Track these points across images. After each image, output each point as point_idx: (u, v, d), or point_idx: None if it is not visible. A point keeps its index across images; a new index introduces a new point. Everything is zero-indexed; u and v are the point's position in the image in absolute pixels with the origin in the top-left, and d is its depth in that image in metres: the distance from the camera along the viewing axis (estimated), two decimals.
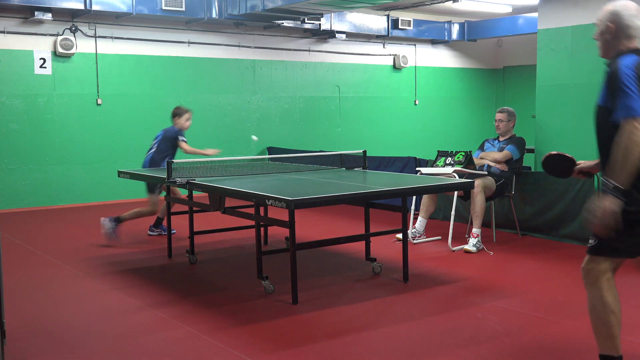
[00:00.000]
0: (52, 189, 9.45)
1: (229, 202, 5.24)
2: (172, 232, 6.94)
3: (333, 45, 12.07)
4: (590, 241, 2.98)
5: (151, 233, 7.19)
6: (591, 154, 6.73)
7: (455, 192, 6.34)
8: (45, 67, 9.34)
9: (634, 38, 3.07)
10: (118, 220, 6.69)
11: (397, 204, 5.43)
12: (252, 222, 5.43)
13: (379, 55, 12.73)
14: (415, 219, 6.74)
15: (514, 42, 13.94)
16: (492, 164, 6.57)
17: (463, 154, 6.42)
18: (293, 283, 4.58)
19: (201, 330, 4.08)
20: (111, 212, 7.23)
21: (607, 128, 3.03)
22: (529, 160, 7.46)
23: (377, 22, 12.08)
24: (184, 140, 6.93)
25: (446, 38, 13.16)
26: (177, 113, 7.09)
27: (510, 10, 11.72)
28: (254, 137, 8.07)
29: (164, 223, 7.09)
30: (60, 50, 9.31)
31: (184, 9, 9.70)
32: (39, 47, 9.29)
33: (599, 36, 3.25)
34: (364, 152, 6.30)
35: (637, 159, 2.78)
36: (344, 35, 11.76)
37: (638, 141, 2.77)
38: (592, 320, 3.11)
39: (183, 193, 6.59)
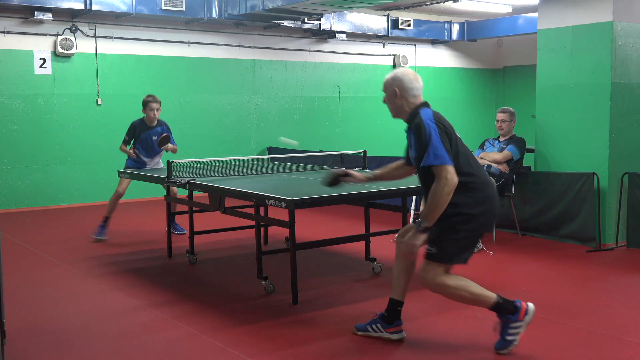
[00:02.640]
0: (52, 189, 9.45)
1: (229, 202, 5.24)
2: (183, 231, 6.96)
3: (333, 45, 12.07)
4: (429, 249, 3.62)
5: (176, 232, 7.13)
6: (591, 154, 6.76)
7: (415, 221, 6.31)
8: (45, 67, 9.34)
9: (419, 95, 3.70)
10: (105, 220, 6.87)
11: (397, 204, 5.43)
12: (252, 222, 5.43)
13: (379, 55, 12.73)
14: (415, 219, 6.73)
15: (514, 42, 13.94)
16: (492, 164, 6.57)
17: None
18: (293, 283, 4.58)
19: (201, 330, 4.08)
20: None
21: (425, 175, 3.56)
22: (529, 160, 7.46)
23: (377, 22, 12.08)
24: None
25: (446, 38, 13.16)
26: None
27: (510, 10, 11.72)
28: (289, 141, 7.28)
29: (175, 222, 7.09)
30: (60, 50, 9.31)
31: (184, 9, 9.70)
32: (39, 47, 9.29)
33: (387, 100, 3.88)
34: (364, 152, 6.30)
35: (445, 203, 3.43)
36: (344, 35, 11.76)
37: (447, 191, 3.40)
38: (464, 302, 3.67)
39: (182, 193, 6.58)
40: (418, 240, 3.57)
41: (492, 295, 3.59)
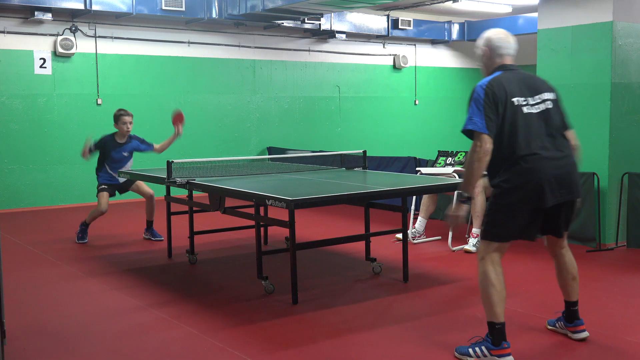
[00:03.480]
0: (52, 189, 9.45)
1: (229, 202, 5.24)
2: (160, 238, 6.93)
3: (333, 45, 12.07)
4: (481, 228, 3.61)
5: (145, 236, 7.11)
6: (591, 154, 6.74)
7: (456, 192, 6.34)
8: (45, 67, 9.34)
9: (505, 57, 3.62)
10: (85, 225, 6.82)
11: (397, 204, 5.43)
12: (252, 222, 5.42)
13: (379, 55, 12.73)
14: (415, 219, 6.74)
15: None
16: None
17: (464, 154, 6.42)
18: (293, 283, 4.58)
19: (201, 330, 4.08)
20: (111, 212, 7.23)
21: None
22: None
23: (377, 22, 12.08)
24: None
25: (446, 38, 13.16)
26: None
27: (510, 10, 11.72)
28: None
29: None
30: (60, 50, 9.31)
31: (184, 9, 9.70)
32: (39, 47, 9.29)
33: (479, 60, 3.74)
34: (364, 152, 6.29)
35: (476, 172, 3.40)
36: (344, 35, 11.76)
37: (476, 158, 3.38)
38: (481, 294, 3.55)
39: (183, 193, 6.58)
40: (459, 211, 3.52)
41: (500, 317, 3.43)
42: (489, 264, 3.48)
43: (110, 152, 6.81)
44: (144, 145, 7.00)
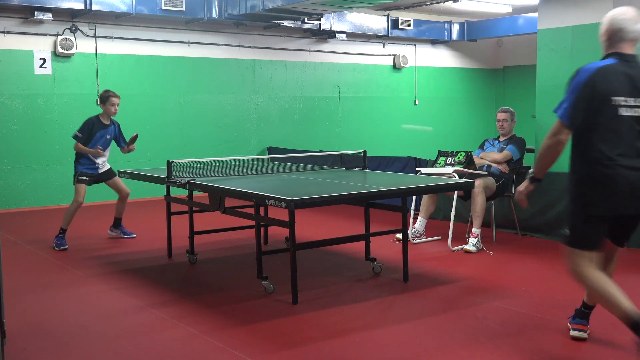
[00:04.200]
0: (52, 189, 9.45)
1: (229, 202, 5.24)
2: (132, 235, 6.93)
3: (333, 45, 12.07)
4: (564, 232, 3.45)
5: (111, 233, 7.08)
6: None
7: (456, 192, 6.34)
8: (45, 67, 9.34)
9: (625, 42, 3.26)
10: (63, 232, 6.64)
11: (397, 204, 5.43)
12: (252, 222, 5.42)
13: (379, 55, 12.73)
14: (415, 219, 6.74)
15: (514, 42, 13.94)
16: (492, 164, 6.57)
17: (464, 154, 6.41)
18: (293, 283, 4.58)
19: (201, 330, 4.08)
20: (111, 212, 7.23)
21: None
22: (529, 160, 7.45)
23: (377, 22, 12.08)
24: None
25: (446, 38, 13.16)
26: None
27: (510, 10, 11.72)
28: (414, 127, 7.48)
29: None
30: (60, 50, 9.31)
31: (184, 9, 9.70)
32: (39, 47, 9.29)
33: (600, 38, 3.40)
34: (364, 152, 6.29)
35: (545, 157, 3.36)
36: (344, 35, 11.76)
37: (547, 144, 3.30)
38: (600, 302, 3.44)
39: (182, 193, 6.58)
40: (525, 189, 3.52)
41: (632, 310, 3.21)
42: (585, 269, 3.33)
43: (95, 133, 6.61)
44: (121, 138, 6.88)
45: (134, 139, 6.74)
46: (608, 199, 3.23)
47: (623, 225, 3.41)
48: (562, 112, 3.22)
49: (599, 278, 3.30)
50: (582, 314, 3.79)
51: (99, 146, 6.62)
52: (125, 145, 6.86)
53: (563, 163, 7.10)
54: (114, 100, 6.66)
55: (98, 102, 6.73)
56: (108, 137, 6.75)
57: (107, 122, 6.73)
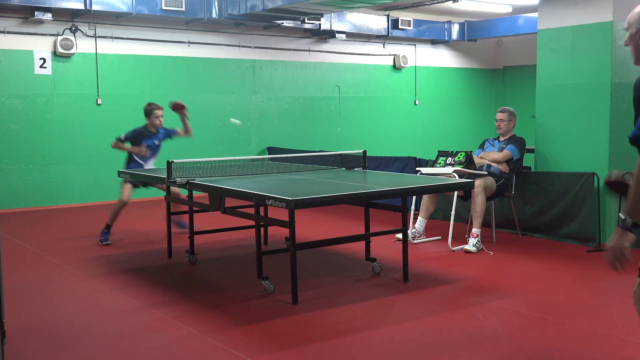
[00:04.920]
0: (52, 189, 9.45)
1: (229, 202, 5.24)
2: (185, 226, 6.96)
3: (333, 45, 12.07)
4: None
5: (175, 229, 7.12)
6: (591, 154, 6.75)
7: (455, 192, 6.34)
8: (45, 67, 9.34)
9: None
10: (108, 228, 6.78)
11: (397, 204, 5.43)
12: (252, 222, 5.42)
13: (379, 55, 12.73)
14: (415, 219, 6.74)
15: (514, 42, 13.94)
16: (492, 164, 6.57)
17: (464, 154, 6.42)
18: (293, 283, 4.58)
19: (201, 330, 4.08)
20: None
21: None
22: (529, 160, 7.46)
23: (377, 22, 12.08)
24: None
25: (446, 38, 13.16)
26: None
27: (510, 10, 11.72)
28: (234, 121, 7.76)
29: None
30: (60, 50, 9.31)
31: (184, 9, 9.70)
32: (39, 47, 9.29)
33: (629, 40, 2.82)
34: (364, 152, 6.29)
35: None
36: (344, 35, 11.76)
37: None
38: None
39: (183, 193, 6.58)
40: (625, 241, 2.50)
41: None
42: None
43: (142, 141, 6.90)
44: (172, 131, 7.12)
45: (176, 107, 6.94)
46: None
47: None
48: None
49: None
50: None
51: (143, 144, 6.88)
52: (180, 130, 7.08)
53: (563, 162, 7.10)
54: (158, 112, 6.95)
55: (145, 116, 7.02)
56: (156, 142, 7.01)
57: (154, 131, 6.98)
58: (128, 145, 6.90)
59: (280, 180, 5.59)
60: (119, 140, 6.88)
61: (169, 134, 7.12)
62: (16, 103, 9.18)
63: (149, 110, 6.95)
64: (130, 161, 6.97)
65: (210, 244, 6.62)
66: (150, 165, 7.03)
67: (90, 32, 9.64)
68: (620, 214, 2.54)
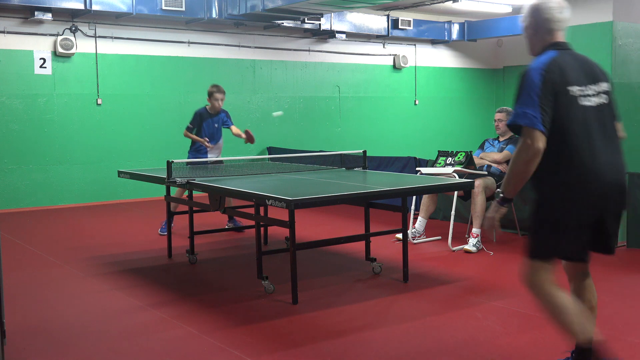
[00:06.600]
0: (52, 189, 9.45)
1: (229, 202, 5.24)
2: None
3: (333, 45, 12.07)
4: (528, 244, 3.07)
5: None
6: None
7: (455, 192, 6.34)
8: (45, 67, 9.34)
9: (555, 32, 3.00)
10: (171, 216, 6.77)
11: (397, 204, 5.43)
12: (252, 222, 5.42)
13: (379, 55, 12.73)
14: (415, 219, 6.74)
15: (514, 42, 13.94)
16: (492, 164, 6.57)
17: (464, 154, 6.42)
18: (293, 283, 4.58)
19: (201, 330, 4.08)
20: (111, 212, 7.24)
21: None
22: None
23: (377, 22, 12.08)
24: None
25: (446, 38, 13.16)
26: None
27: (510, 10, 11.72)
28: (277, 113, 7.85)
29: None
30: (60, 50, 9.31)
31: (184, 9, 9.70)
32: (39, 47, 9.30)
33: (523, 32, 3.12)
34: (364, 152, 6.30)
35: (522, 173, 2.88)
36: (344, 35, 11.76)
37: (524, 158, 2.83)
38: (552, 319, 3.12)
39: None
40: (497, 213, 3.03)
41: (580, 336, 2.97)
42: (542, 288, 3.02)
43: (203, 123, 7.12)
44: (229, 121, 7.35)
45: (248, 135, 7.23)
46: (589, 203, 2.90)
47: (601, 228, 3.04)
48: (530, 119, 2.78)
49: (556, 293, 3.09)
50: (586, 355, 3.03)
51: (205, 138, 7.11)
52: (236, 128, 7.31)
53: None
54: (218, 96, 7.18)
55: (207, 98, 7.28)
56: (216, 125, 7.22)
57: (214, 113, 7.21)
58: (194, 133, 7.11)
59: (280, 180, 5.59)
60: (188, 129, 7.10)
61: (227, 122, 7.32)
62: (16, 103, 9.18)
63: (211, 92, 7.18)
64: (193, 149, 7.15)
65: (210, 244, 6.62)
66: (214, 154, 7.20)
67: (90, 32, 9.64)
68: (498, 190, 3.06)
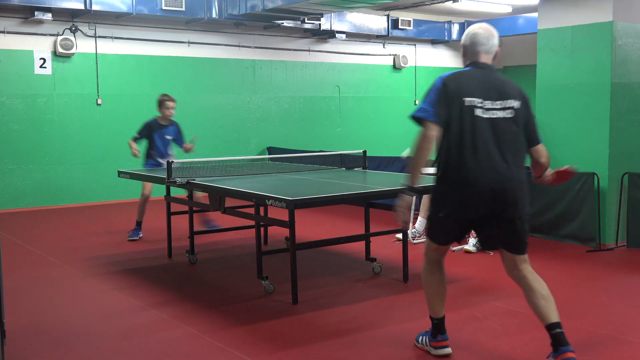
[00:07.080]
0: (52, 189, 9.45)
1: (229, 202, 5.24)
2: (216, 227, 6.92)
3: (333, 45, 12.07)
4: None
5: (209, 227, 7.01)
6: (591, 154, 6.75)
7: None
8: (45, 67, 9.34)
9: (480, 54, 3.50)
10: (138, 224, 6.95)
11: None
12: (252, 222, 5.43)
13: (379, 55, 12.73)
14: (415, 219, 6.74)
15: (514, 42, 13.92)
16: None
17: None
18: (293, 283, 4.58)
19: (201, 330, 4.08)
20: (111, 212, 7.24)
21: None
22: (528, 160, 7.46)
23: (377, 22, 12.08)
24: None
25: (446, 38, 13.16)
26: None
27: (510, 10, 11.72)
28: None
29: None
30: (60, 50, 9.31)
31: (184, 9, 9.70)
32: (39, 47, 9.29)
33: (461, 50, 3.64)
34: (364, 152, 6.29)
35: (419, 160, 3.35)
36: (344, 35, 11.76)
37: (419, 145, 3.35)
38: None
39: (182, 193, 6.58)
40: (402, 202, 3.37)
41: (435, 312, 3.59)
42: (425, 263, 3.61)
43: (153, 134, 6.96)
44: (181, 138, 7.12)
45: (193, 141, 7.06)
46: (463, 204, 3.34)
47: (491, 230, 3.45)
48: (425, 112, 3.31)
49: (431, 274, 3.61)
50: (557, 339, 3.37)
51: (151, 151, 6.98)
52: (182, 144, 7.10)
53: (563, 162, 7.08)
54: (169, 104, 7.00)
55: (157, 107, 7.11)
56: (168, 137, 7.03)
57: (165, 123, 7.02)
58: (138, 144, 6.96)
59: (280, 180, 5.59)
60: (133, 139, 6.95)
61: (179, 137, 7.08)
62: (16, 103, 9.18)
63: (162, 101, 7.02)
64: (149, 157, 7.03)
65: (210, 244, 6.62)
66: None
67: (90, 32, 9.64)
68: (402, 180, 3.46)
